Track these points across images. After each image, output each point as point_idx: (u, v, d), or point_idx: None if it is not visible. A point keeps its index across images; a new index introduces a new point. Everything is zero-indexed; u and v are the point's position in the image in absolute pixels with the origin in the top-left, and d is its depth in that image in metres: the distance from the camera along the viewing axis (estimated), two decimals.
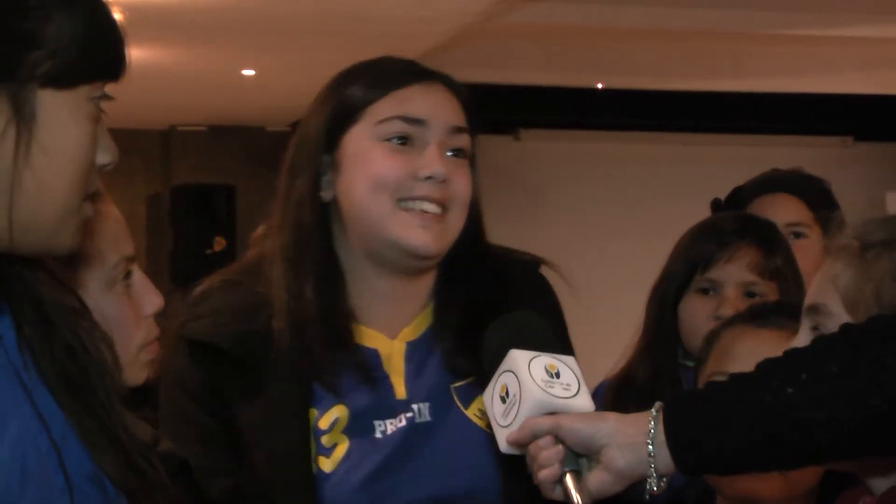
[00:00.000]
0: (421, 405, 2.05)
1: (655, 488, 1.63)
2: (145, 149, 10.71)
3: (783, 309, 2.14)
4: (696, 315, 2.60)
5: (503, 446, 1.73)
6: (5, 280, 1.46)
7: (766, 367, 1.62)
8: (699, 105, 9.91)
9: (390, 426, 2.03)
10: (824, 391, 1.56)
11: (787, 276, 2.61)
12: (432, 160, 2.05)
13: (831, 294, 1.70)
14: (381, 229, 2.05)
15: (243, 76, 8.76)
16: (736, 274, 2.59)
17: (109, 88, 1.48)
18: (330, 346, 2.04)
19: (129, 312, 1.83)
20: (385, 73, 2.11)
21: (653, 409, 1.63)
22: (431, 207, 2.05)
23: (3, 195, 1.40)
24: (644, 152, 10.21)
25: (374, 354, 2.07)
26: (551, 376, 1.72)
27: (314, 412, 2.02)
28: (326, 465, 2.01)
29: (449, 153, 2.08)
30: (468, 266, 2.12)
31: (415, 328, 2.10)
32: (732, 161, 10.15)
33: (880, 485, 1.70)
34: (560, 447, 1.67)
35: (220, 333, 2.04)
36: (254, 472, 2.01)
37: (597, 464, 1.65)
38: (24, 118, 1.40)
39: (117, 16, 1.49)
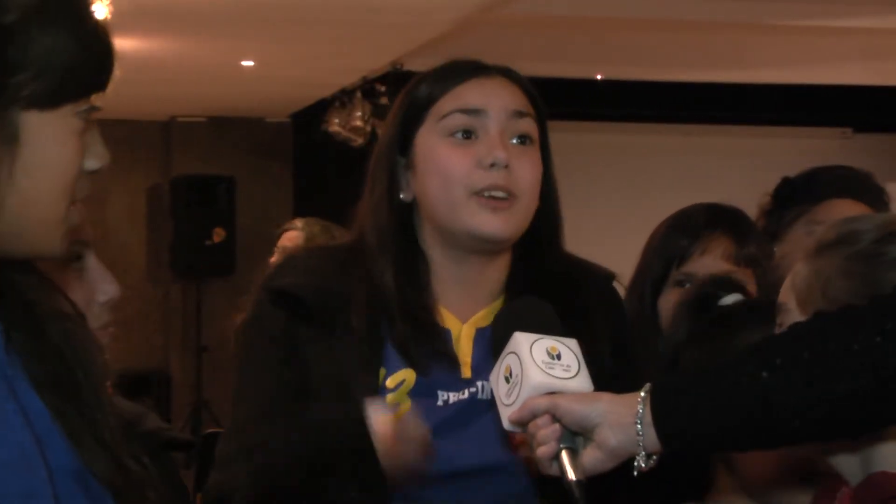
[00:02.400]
0: (485, 383, 2.12)
1: (644, 465, 1.70)
2: (145, 140, 10.71)
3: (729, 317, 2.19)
4: None
5: (506, 424, 1.82)
6: None
7: (745, 352, 1.70)
8: (699, 96, 9.91)
9: (452, 397, 2.13)
10: (796, 376, 1.63)
11: (762, 263, 2.66)
12: (493, 146, 2.14)
13: (791, 293, 1.81)
14: (455, 220, 2.14)
15: (243, 67, 8.76)
16: (711, 265, 2.63)
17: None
18: (411, 325, 2.14)
19: (73, 294, 1.83)
20: (446, 72, 2.22)
21: (642, 391, 1.71)
22: (500, 194, 2.14)
23: None
24: (644, 143, 10.21)
25: (448, 334, 2.17)
26: (552, 358, 1.81)
27: (383, 371, 2.12)
28: None
29: (514, 140, 2.18)
30: (542, 263, 2.21)
31: (486, 315, 2.17)
32: (732, 152, 10.17)
33: (847, 462, 1.76)
34: (557, 426, 1.75)
35: (300, 286, 2.15)
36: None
37: (591, 442, 1.73)
38: (5, 141, 1.39)
39: (103, 11, 1.47)
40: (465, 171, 2.14)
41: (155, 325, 10.46)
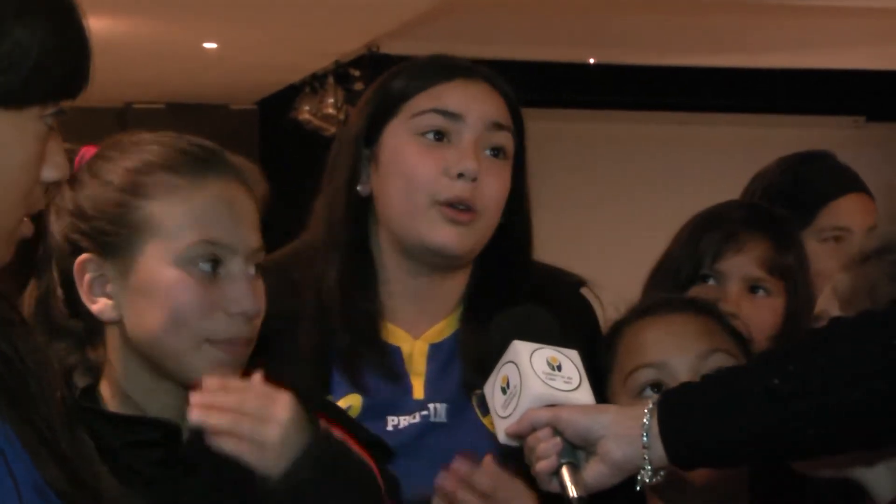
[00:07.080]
0: (438, 405, 2.15)
1: (648, 480, 1.72)
2: (99, 128, 10.62)
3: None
4: None
5: (502, 437, 1.83)
6: None
7: (757, 359, 1.75)
8: (698, 82, 9.93)
9: (403, 421, 2.14)
10: (811, 383, 1.65)
11: (797, 278, 2.63)
12: (465, 155, 2.14)
13: (832, 302, 1.86)
14: (410, 228, 2.15)
15: (205, 49, 8.75)
16: (744, 267, 2.61)
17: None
18: (353, 338, 2.14)
19: (198, 297, 1.82)
20: (426, 68, 2.22)
21: (650, 402, 1.73)
22: (463, 206, 2.14)
23: None
24: (638, 132, 10.23)
25: (397, 352, 2.18)
26: (553, 369, 1.83)
27: (330, 397, 2.11)
28: None
29: (487, 152, 2.17)
30: (505, 277, 2.21)
31: (440, 330, 2.20)
32: (733, 142, 10.20)
33: (876, 478, 1.79)
34: (558, 439, 1.76)
35: None
36: None
37: (594, 456, 1.75)
38: None
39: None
40: (431, 178, 2.14)
41: None
